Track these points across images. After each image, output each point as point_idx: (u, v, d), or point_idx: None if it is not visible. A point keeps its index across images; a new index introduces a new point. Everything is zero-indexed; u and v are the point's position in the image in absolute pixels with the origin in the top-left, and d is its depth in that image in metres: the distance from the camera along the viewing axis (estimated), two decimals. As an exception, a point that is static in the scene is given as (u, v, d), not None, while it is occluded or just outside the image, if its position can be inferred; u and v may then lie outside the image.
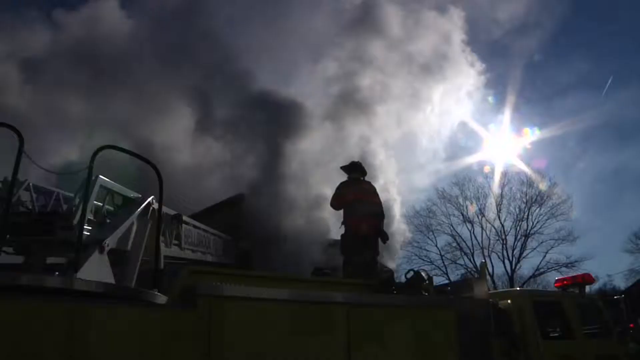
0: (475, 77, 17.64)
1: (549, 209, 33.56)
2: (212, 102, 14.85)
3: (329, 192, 10.36)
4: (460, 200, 34.92)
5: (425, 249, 35.46)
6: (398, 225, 14.42)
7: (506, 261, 33.62)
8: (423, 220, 35.14)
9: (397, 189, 14.76)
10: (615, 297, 9.24)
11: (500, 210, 34.15)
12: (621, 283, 37.40)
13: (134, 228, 5.62)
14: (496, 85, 43.22)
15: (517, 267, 33.66)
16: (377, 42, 15.93)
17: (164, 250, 6.45)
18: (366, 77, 15.67)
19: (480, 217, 34.40)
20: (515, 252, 33.61)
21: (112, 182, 5.74)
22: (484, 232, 34.16)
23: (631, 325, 8.78)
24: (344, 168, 8.69)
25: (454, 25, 16.98)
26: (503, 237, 34.06)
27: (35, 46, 14.67)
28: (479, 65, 18.11)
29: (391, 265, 13.35)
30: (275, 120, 13.69)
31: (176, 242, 7.46)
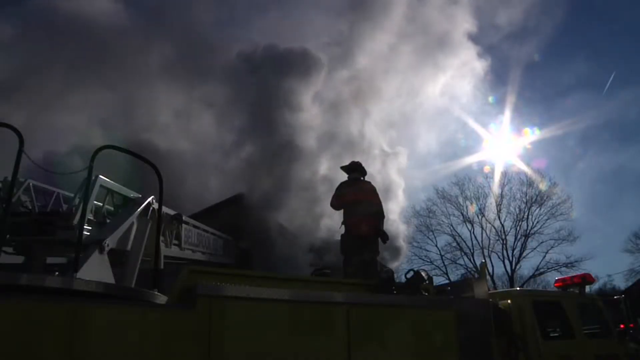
0: (477, 68, 17.71)
1: (549, 209, 33.55)
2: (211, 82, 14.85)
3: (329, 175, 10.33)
4: (460, 200, 34.91)
5: (425, 249, 35.46)
6: (397, 226, 14.43)
7: (506, 261, 33.64)
8: (423, 220, 35.14)
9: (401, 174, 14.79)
10: (615, 297, 9.24)
11: (500, 210, 34.15)
12: (621, 283, 37.43)
13: (134, 228, 5.62)
14: (496, 85, 43.37)
15: (517, 267, 33.68)
16: (380, 24, 15.88)
17: (164, 250, 6.46)
18: (367, 57, 15.62)
19: (480, 217, 34.39)
20: (515, 252, 33.61)
21: (112, 182, 5.73)
22: (484, 232, 34.16)
23: (631, 325, 8.77)
24: (344, 168, 8.69)
25: (460, 13, 17.02)
26: (503, 237, 34.07)
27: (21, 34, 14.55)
28: (480, 59, 18.17)
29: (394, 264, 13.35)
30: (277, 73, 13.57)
31: (176, 242, 7.46)
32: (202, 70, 15.65)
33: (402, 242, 15.24)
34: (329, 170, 13.18)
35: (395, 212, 14.66)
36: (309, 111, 14.30)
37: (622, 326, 7.49)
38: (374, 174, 13.23)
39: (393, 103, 16.59)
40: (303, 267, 10.99)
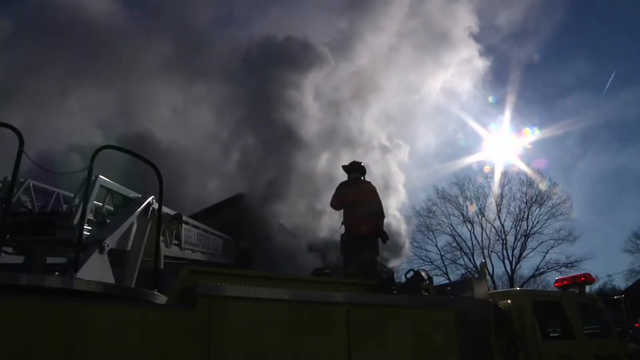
0: (477, 67, 17.73)
1: (549, 209, 33.53)
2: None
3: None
4: (460, 200, 34.89)
5: (425, 249, 35.45)
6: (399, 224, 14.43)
7: (506, 261, 33.62)
8: (423, 220, 35.13)
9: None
10: (615, 297, 9.23)
11: (500, 210, 34.14)
12: (621, 283, 37.45)
13: (134, 228, 5.61)
14: (496, 85, 43.37)
15: (517, 267, 33.67)
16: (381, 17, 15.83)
17: (164, 250, 6.45)
18: (368, 53, 15.57)
19: (480, 217, 34.39)
20: (515, 252, 33.60)
21: (112, 182, 5.73)
22: (484, 232, 34.15)
23: (636, 325, 8.77)
24: (344, 167, 8.69)
25: (461, 10, 17.01)
26: (503, 237, 34.06)
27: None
28: (481, 59, 18.18)
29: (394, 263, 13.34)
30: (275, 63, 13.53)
31: (176, 242, 7.45)
32: (201, 64, 15.67)
33: (404, 239, 15.22)
34: (328, 164, 13.15)
35: (396, 207, 14.67)
36: (309, 103, 14.30)
37: (636, 325, 7.46)
38: (375, 168, 13.23)
39: (393, 100, 16.65)
40: (303, 267, 10.98)
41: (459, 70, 18.39)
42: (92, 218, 5.54)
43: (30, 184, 5.96)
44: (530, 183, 34.07)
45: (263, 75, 13.88)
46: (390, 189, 14.31)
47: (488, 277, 28.40)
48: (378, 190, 8.53)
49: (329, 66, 15.05)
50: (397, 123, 17.37)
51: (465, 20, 17.79)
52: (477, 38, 19.39)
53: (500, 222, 34.11)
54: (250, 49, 14.99)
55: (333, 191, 8.59)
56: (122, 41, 14.89)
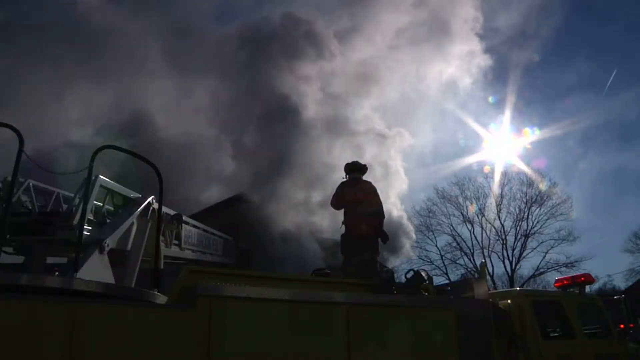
0: (477, 68, 17.71)
1: (549, 209, 33.56)
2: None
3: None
4: (460, 200, 34.93)
5: (425, 249, 35.44)
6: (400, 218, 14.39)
7: (506, 261, 33.64)
8: (423, 220, 35.13)
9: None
10: (615, 297, 9.23)
11: (500, 210, 34.17)
12: (621, 283, 37.48)
13: (134, 228, 5.61)
14: (497, 85, 43.38)
15: (517, 267, 33.69)
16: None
17: (164, 250, 6.44)
18: (369, 46, 15.54)
19: (480, 217, 34.40)
20: (515, 252, 33.62)
21: (112, 182, 5.73)
22: (484, 232, 34.17)
23: (631, 325, 8.77)
24: (345, 167, 8.68)
25: (463, 8, 16.99)
26: (503, 237, 34.07)
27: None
28: (481, 60, 18.16)
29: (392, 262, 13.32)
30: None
31: (176, 242, 7.44)
32: (197, 55, 15.66)
33: (407, 222, 15.15)
34: (328, 153, 13.12)
35: (398, 196, 14.63)
36: (310, 90, 14.30)
37: (622, 326, 7.49)
38: (376, 156, 13.19)
39: (394, 92, 16.65)
40: (304, 267, 10.98)
41: (460, 67, 18.40)
42: (92, 218, 5.54)
43: (30, 184, 5.95)
44: (530, 183, 34.16)
45: (261, 60, 13.85)
46: (390, 176, 14.30)
47: (488, 277, 28.40)
48: (378, 189, 8.53)
49: (330, 54, 15.07)
50: (397, 121, 17.37)
51: (467, 13, 17.77)
52: (478, 37, 19.40)
53: (500, 222, 34.18)
54: (246, 30, 14.93)
55: (332, 184, 8.58)
56: (117, 34, 14.88)
